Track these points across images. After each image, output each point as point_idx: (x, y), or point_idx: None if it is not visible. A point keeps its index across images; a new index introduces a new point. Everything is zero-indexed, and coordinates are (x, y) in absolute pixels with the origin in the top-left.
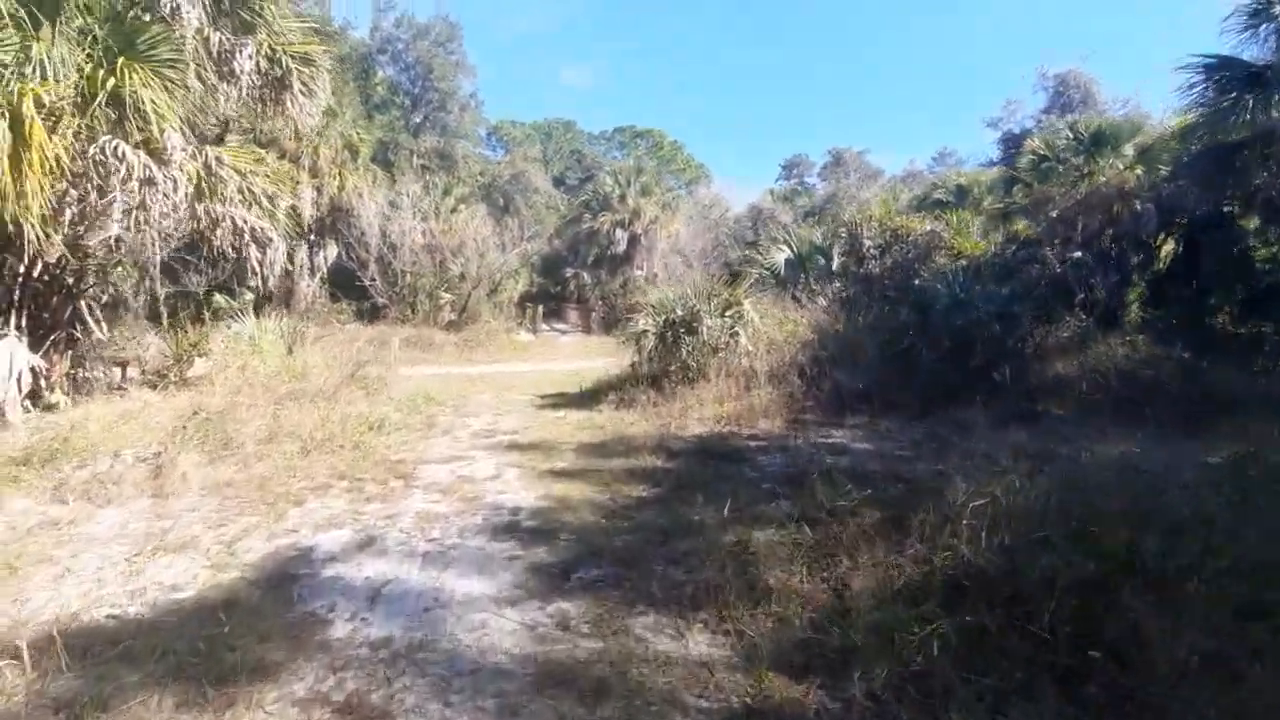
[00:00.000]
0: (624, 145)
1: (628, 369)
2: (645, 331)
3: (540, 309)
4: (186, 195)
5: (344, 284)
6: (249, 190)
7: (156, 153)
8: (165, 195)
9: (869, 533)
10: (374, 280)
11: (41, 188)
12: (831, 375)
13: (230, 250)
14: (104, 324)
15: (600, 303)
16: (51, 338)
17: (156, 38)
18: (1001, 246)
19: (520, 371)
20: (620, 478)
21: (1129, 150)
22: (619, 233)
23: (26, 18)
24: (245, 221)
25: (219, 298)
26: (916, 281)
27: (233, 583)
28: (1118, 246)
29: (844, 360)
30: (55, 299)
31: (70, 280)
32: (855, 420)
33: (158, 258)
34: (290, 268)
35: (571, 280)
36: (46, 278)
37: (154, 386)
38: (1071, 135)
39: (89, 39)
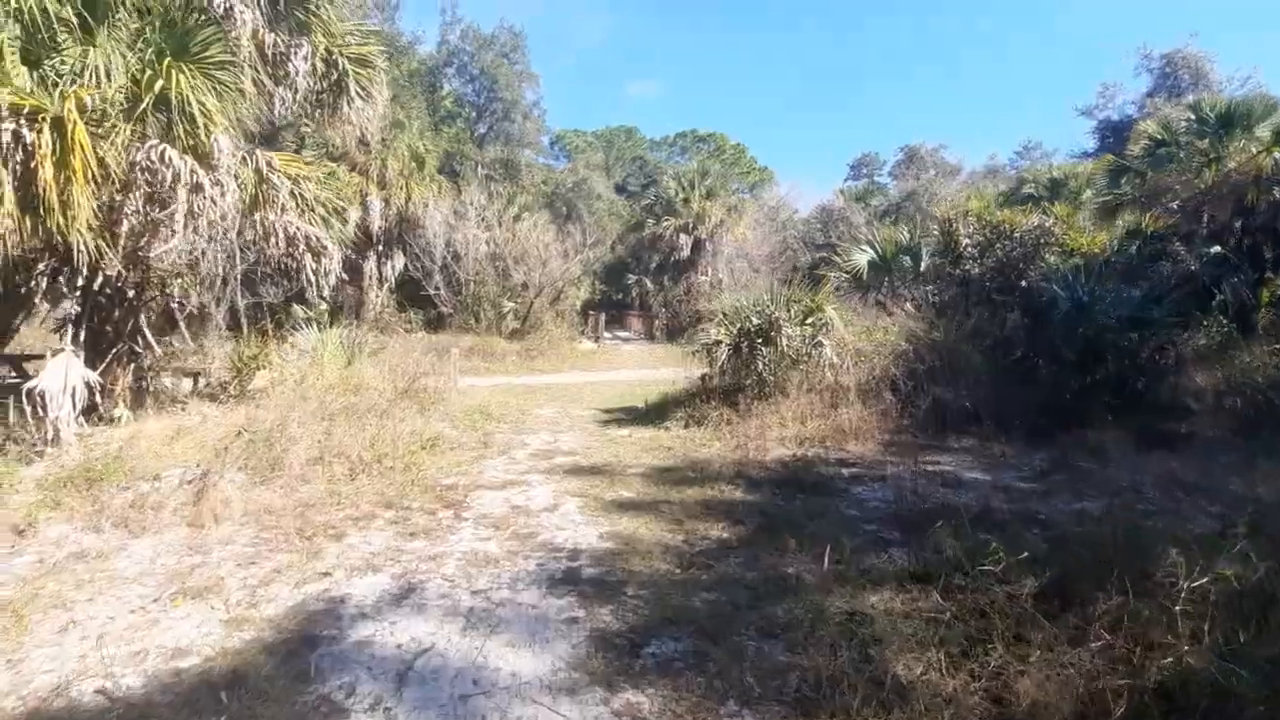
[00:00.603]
0: (686, 150)
1: (696, 382)
2: (718, 342)
3: (603, 317)
4: (236, 202)
5: (410, 293)
6: (300, 196)
7: (204, 158)
8: (213, 202)
9: (1026, 608)
10: (438, 290)
11: (87, 197)
12: (930, 390)
13: (285, 260)
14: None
15: (663, 310)
16: (114, 351)
17: (210, 39)
18: (1121, 242)
19: (583, 382)
20: (695, 512)
21: (1263, 132)
22: (682, 238)
23: (77, 23)
24: (299, 230)
25: (296, 308)
26: (1024, 283)
27: (246, 646)
28: (1251, 239)
29: (944, 373)
30: (117, 312)
31: (131, 293)
32: (962, 443)
33: (238, 270)
34: (344, 276)
35: (634, 287)
36: (108, 291)
37: (215, 399)
38: (1194, 117)
39: (141, 43)
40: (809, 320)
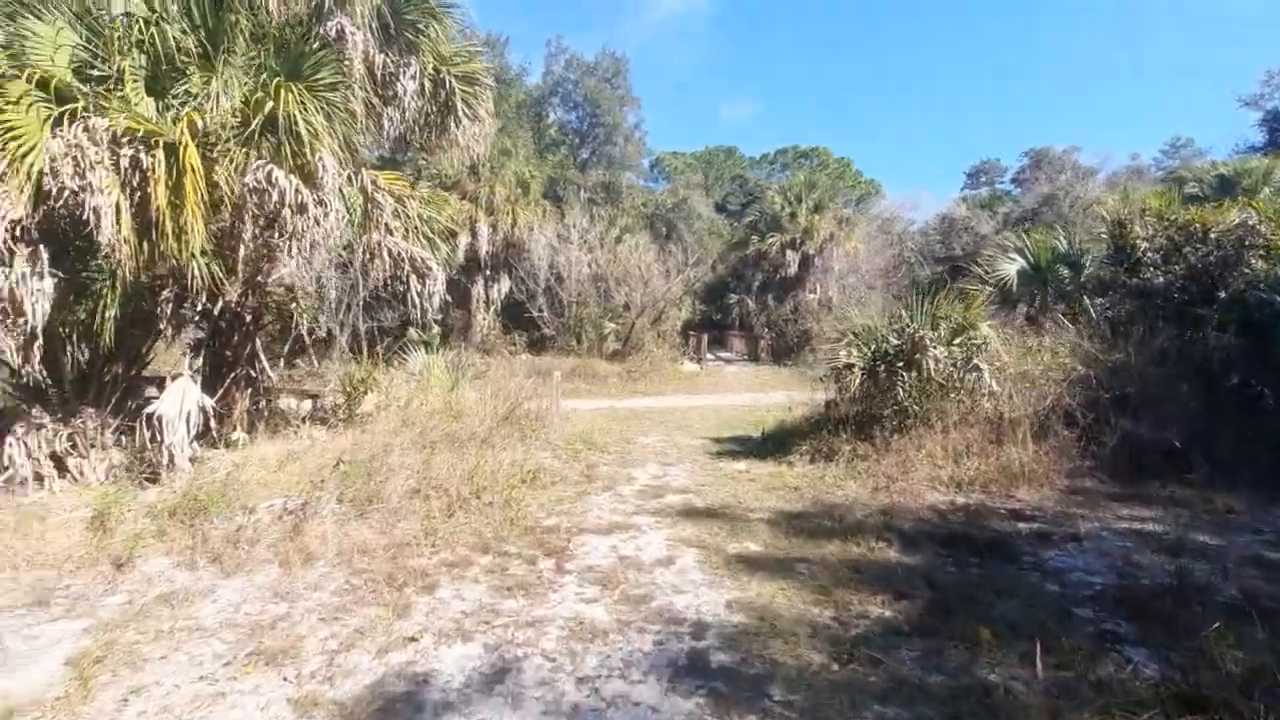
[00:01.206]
0: (787, 167)
1: (820, 410)
2: (849, 366)
3: (705, 337)
4: (338, 221)
5: (514, 316)
6: (404, 215)
7: (310, 178)
8: (316, 222)
9: None
10: (542, 311)
11: (200, 220)
12: (1118, 424)
13: (389, 281)
14: (312, 357)
15: (767, 330)
16: (232, 375)
17: (321, 61)
18: None
19: (688, 407)
20: (842, 577)
21: None
22: (789, 254)
23: (199, 53)
24: (404, 251)
25: (412, 331)
26: (1222, 293)
27: None
28: None
29: (1135, 404)
30: (236, 337)
31: (248, 318)
32: (1168, 491)
33: (361, 295)
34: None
35: (736, 307)
36: (228, 316)
37: (325, 423)
38: None
39: (255, 69)
40: (957, 340)
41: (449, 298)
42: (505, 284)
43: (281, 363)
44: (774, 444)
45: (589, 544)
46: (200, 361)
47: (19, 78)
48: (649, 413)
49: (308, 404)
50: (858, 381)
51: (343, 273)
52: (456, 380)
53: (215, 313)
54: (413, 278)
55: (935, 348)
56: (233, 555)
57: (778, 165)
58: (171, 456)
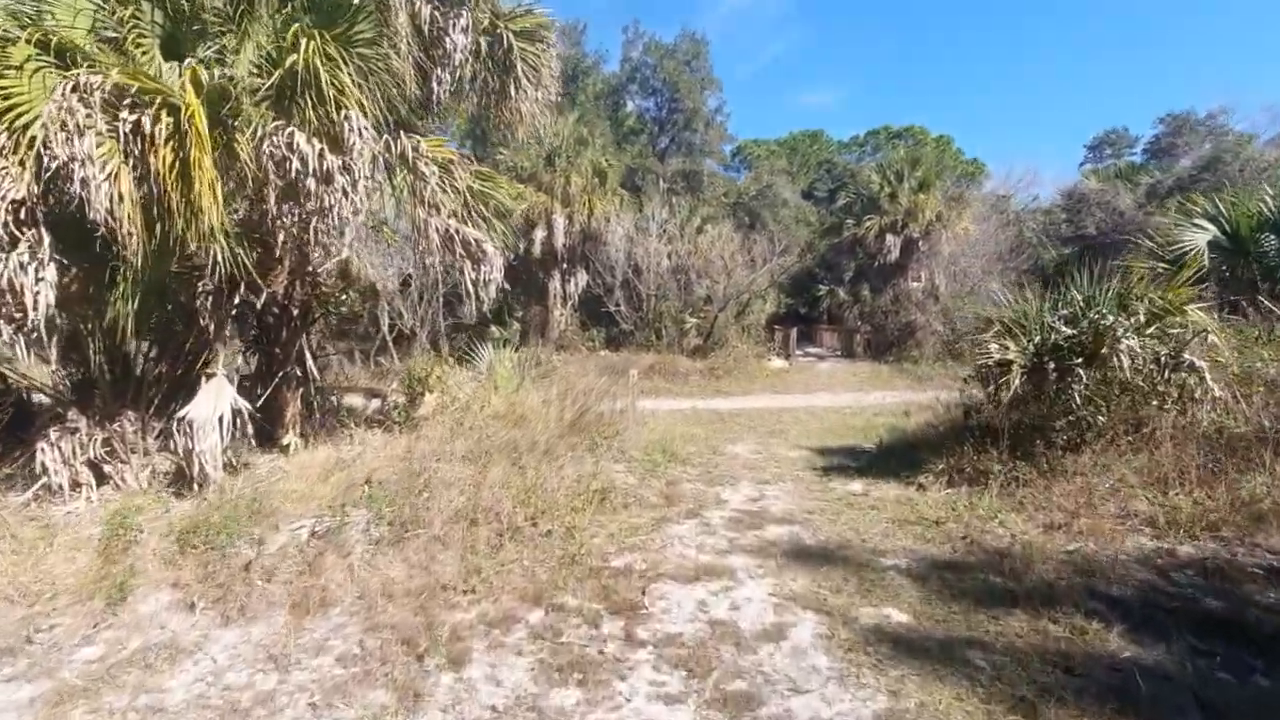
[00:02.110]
0: (879, 149)
1: (951, 416)
2: (1006, 363)
3: (794, 332)
4: (371, 194)
5: (592, 311)
6: (451, 188)
7: (337, 143)
8: (345, 193)
9: None
10: (619, 306)
11: (212, 192)
12: None
13: (438, 267)
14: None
15: (860, 322)
16: (281, 374)
17: (357, 13)
18: None
19: (780, 409)
20: (1047, 681)
21: None
22: (889, 238)
23: (228, 10)
24: (455, 232)
25: (493, 328)
26: None
27: None
28: None
29: None
30: (285, 332)
31: (295, 311)
32: None
33: (441, 289)
34: (506, 287)
35: (826, 299)
36: (276, 309)
37: (383, 425)
38: None
39: (284, 23)
40: (1151, 329)
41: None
42: (582, 278)
43: (358, 358)
44: (895, 459)
45: (669, 597)
46: (242, 359)
47: (20, 40)
48: (736, 415)
49: (376, 403)
50: (1016, 383)
51: (421, 266)
52: (522, 380)
53: (260, 306)
54: (466, 263)
55: (1128, 338)
56: (238, 594)
57: (868, 148)
58: (201, 466)
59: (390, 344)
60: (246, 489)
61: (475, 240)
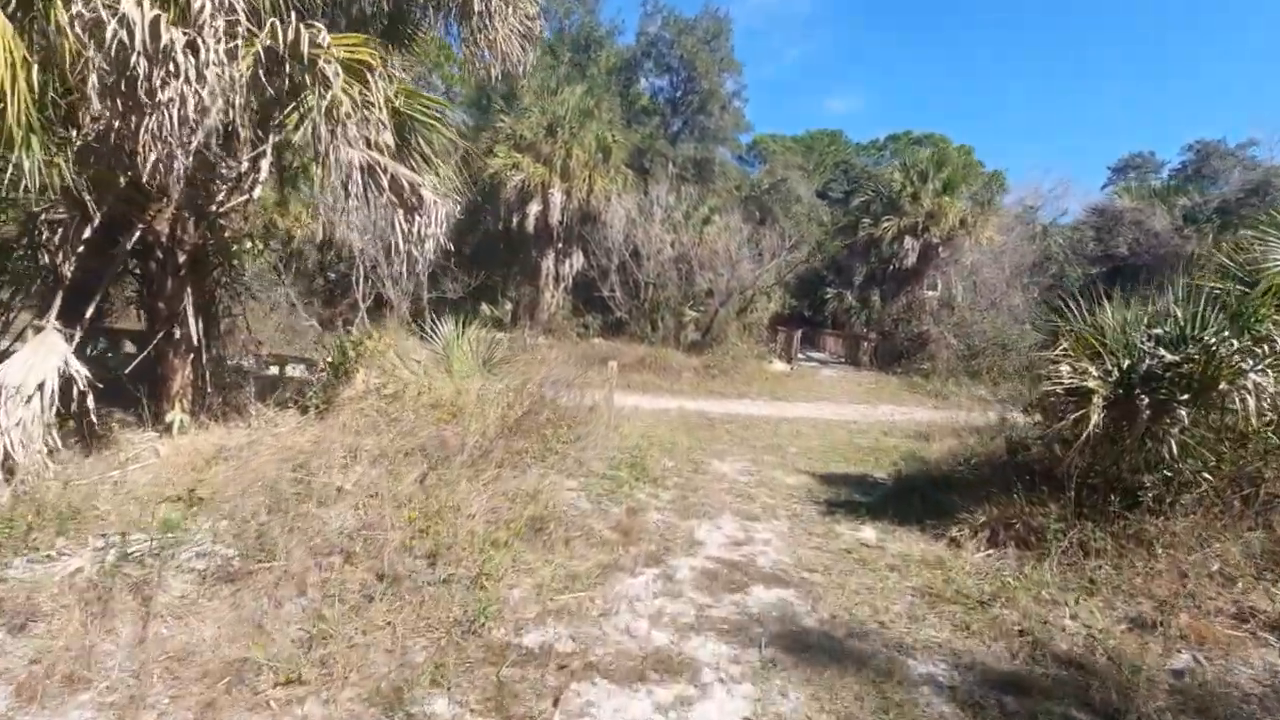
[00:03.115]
0: (898, 154)
1: (987, 448)
2: (1086, 392)
3: (798, 334)
4: (226, 86)
5: (587, 296)
6: (376, 115)
7: (183, 15)
8: (188, 80)
9: None
10: (613, 292)
11: (16, 77)
12: None
13: (355, 216)
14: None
15: (867, 329)
16: (162, 334)
17: None
18: None
19: (779, 418)
20: None
21: None
22: (907, 241)
23: None
24: (384, 169)
25: (484, 306)
26: None
27: None
28: None
29: None
30: (170, 283)
31: (183, 257)
32: None
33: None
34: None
35: (833, 302)
36: (160, 254)
37: (301, 406)
38: None
39: None
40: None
41: (515, 272)
42: (578, 259)
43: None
44: (916, 498)
45: (595, 713)
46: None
47: None
48: (728, 422)
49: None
50: (1096, 418)
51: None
52: (485, 363)
53: (134, 247)
54: (398, 212)
55: (1259, 373)
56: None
57: (887, 152)
58: (7, 451)
59: (365, 314)
60: (82, 483)
61: (409, 183)
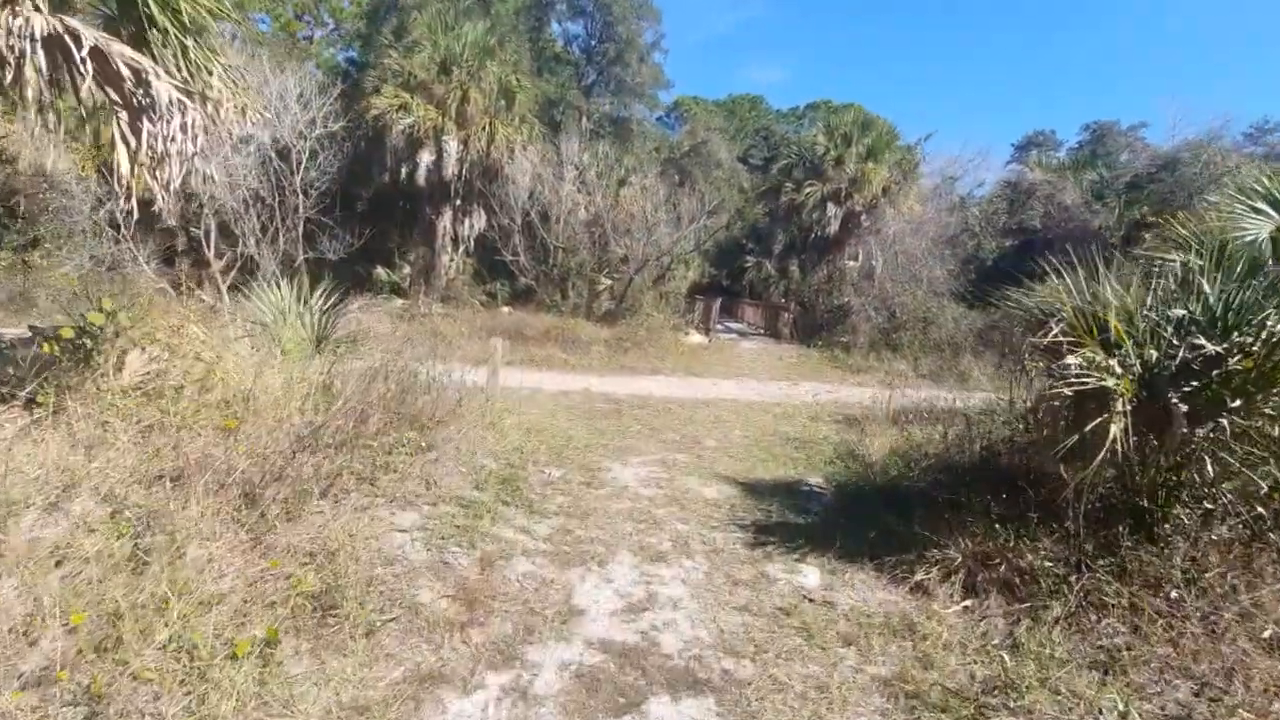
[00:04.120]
0: (819, 122)
1: (946, 451)
2: (1105, 395)
3: (716, 304)
4: None
5: (494, 262)
6: None
7: None
8: None
9: None
10: (517, 255)
11: None
12: None
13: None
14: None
15: (786, 299)
16: None
17: None
18: None
19: (696, 400)
20: None
21: None
22: (830, 208)
23: None
24: (75, 38)
25: (379, 271)
26: None
27: None
28: None
29: None
30: None
31: None
32: None
33: (301, 211)
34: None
35: (751, 271)
36: None
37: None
38: None
39: None
40: None
41: (414, 232)
42: (479, 219)
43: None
44: (863, 516)
45: None
46: None
47: None
48: (639, 405)
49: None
50: (1117, 430)
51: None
52: (320, 341)
53: None
54: (119, 115)
55: None
56: None
57: (807, 120)
58: None
59: (218, 275)
60: None
61: (133, 69)
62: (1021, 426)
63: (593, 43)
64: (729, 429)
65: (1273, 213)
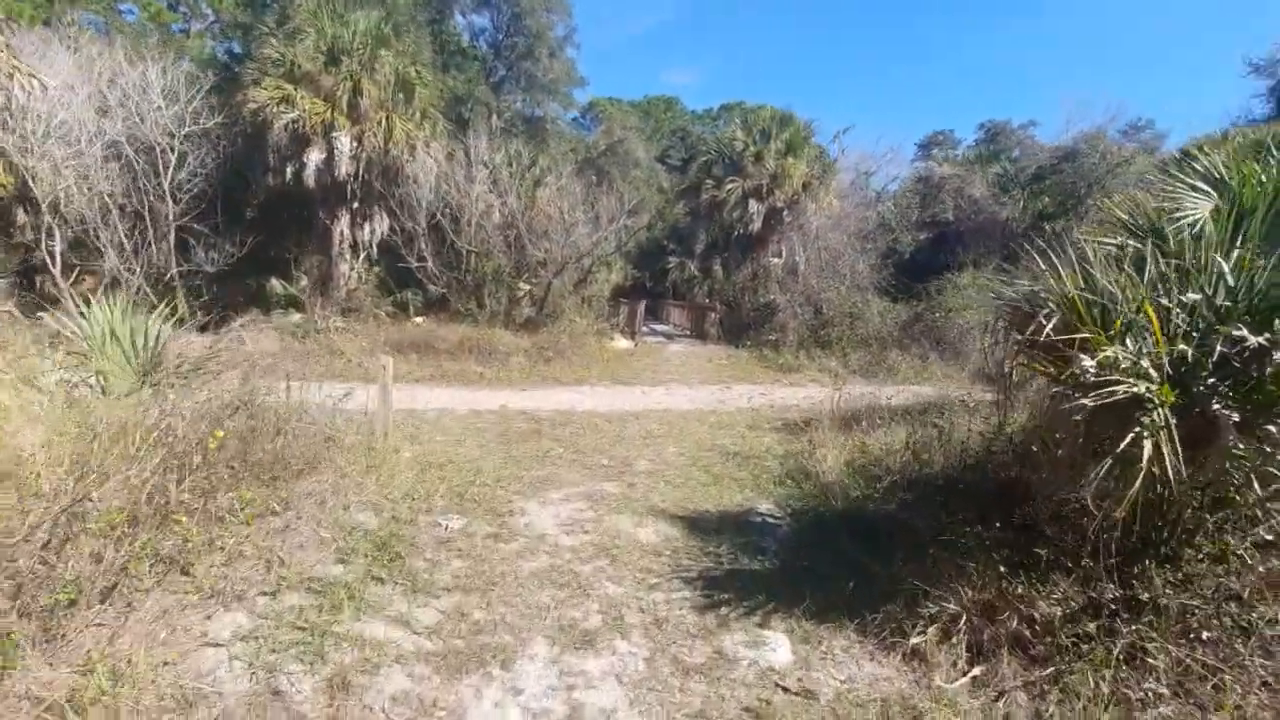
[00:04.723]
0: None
1: (904, 460)
2: (1139, 406)
3: (641, 307)
4: None
5: (404, 271)
6: None
7: None
8: None
9: None
10: (424, 261)
11: None
12: None
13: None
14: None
15: (711, 299)
16: None
17: None
18: None
19: (624, 411)
20: None
21: None
22: (751, 205)
23: None
24: None
25: (275, 283)
26: None
27: None
28: None
29: None
30: None
31: None
32: None
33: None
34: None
35: (674, 271)
36: None
37: None
38: None
39: None
40: None
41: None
42: (382, 223)
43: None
44: (828, 553)
45: None
46: None
47: None
48: (561, 422)
49: None
50: (1149, 450)
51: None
52: (144, 373)
53: None
54: None
55: None
56: None
57: (722, 120)
58: None
59: (65, 291)
60: None
61: None
62: (1015, 441)
63: (500, 37)
64: (662, 446)
65: (1212, 193)
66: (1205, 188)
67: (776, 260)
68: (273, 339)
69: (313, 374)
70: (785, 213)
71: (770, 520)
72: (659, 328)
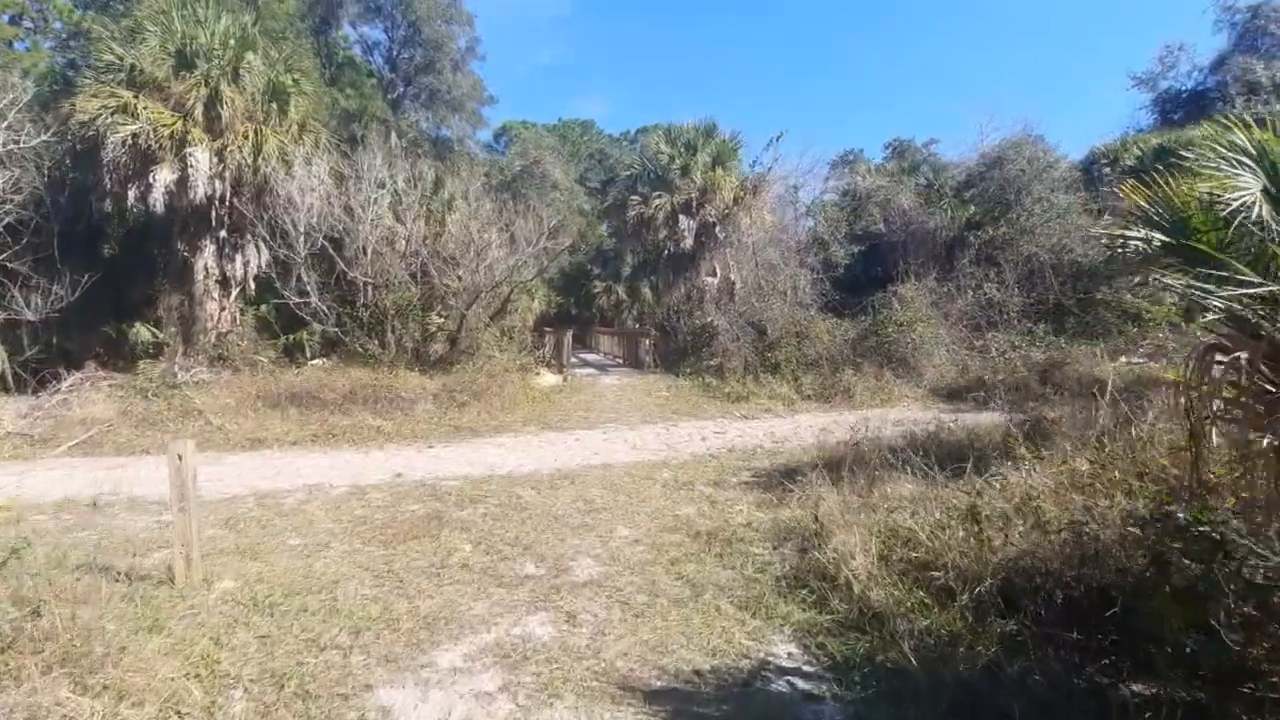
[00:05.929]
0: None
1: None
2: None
3: (568, 336)
4: None
5: (293, 308)
6: None
7: None
8: None
9: None
10: (306, 296)
11: None
12: None
13: None
14: None
15: (640, 324)
16: None
17: None
18: None
19: (553, 473)
20: None
21: None
22: (682, 222)
23: None
24: None
25: (140, 328)
26: None
27: None
28: None
29: None
30: None
31: None
32: None
33: None
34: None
35: (601, 296)
36: None
37: None
38: None
39: None
40: None
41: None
42: (259, 253)
43: None
44: None
45: None
46: None
47: None
48: (473, 498)
49: None
50: None
51: None
52: None
53: None
54: None
55: None
56: None
57: (639, 144)
58: None
59: None
60: None
61: None
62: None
63: (397, 49)
64: (608, 524)
65: (1256, 171)
66: (1251, 165)
67: (711, 279)
68: (111, 401)
69: (152, 445)
70: (717, 228)
71: (803, 688)
72: (589, 357)
